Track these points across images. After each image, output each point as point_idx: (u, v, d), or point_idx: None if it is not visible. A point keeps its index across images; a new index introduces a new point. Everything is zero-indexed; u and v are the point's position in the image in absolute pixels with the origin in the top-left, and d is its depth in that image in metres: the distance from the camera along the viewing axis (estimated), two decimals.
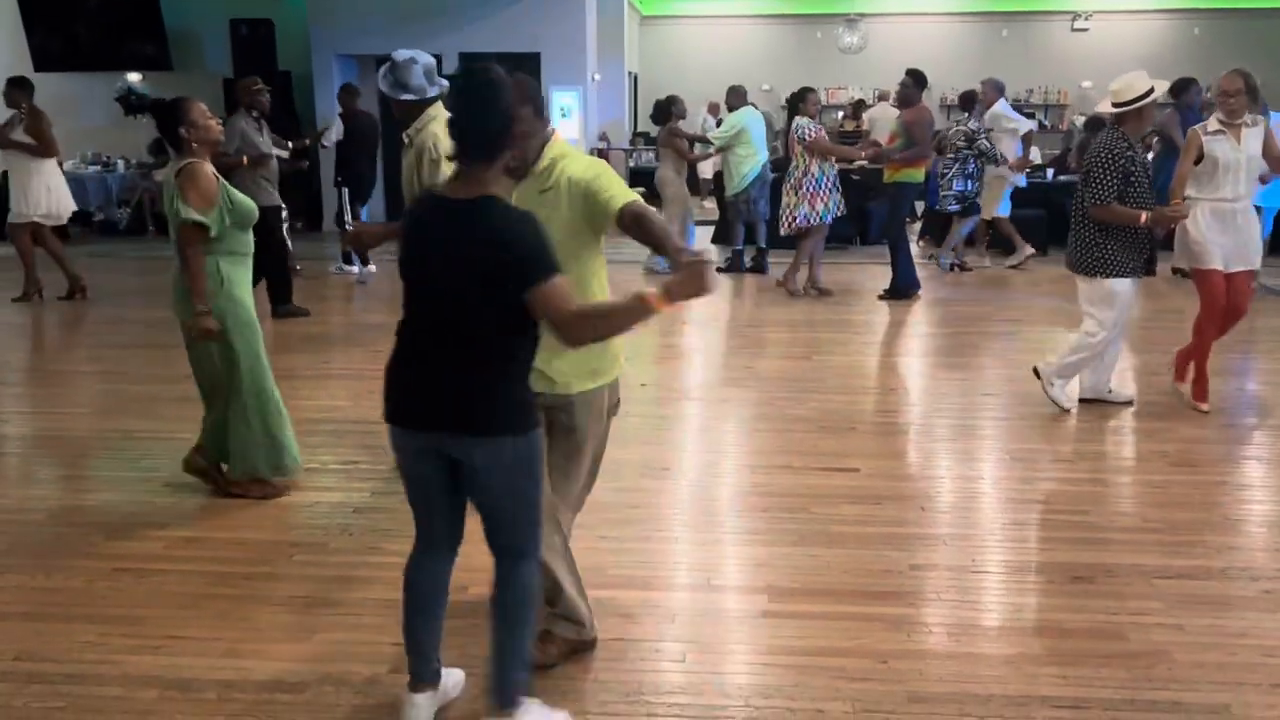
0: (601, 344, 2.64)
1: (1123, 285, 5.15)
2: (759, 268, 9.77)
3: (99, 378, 6.50)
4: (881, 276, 9.10)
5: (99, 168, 13.21)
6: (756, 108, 9.89)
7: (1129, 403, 5.57)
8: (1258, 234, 5.50)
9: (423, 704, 2.72)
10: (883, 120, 10.25)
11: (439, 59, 12.58)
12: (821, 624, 3.26)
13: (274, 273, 7.71)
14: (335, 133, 9.88)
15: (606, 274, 2.91)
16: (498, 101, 2.33)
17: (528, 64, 12.08)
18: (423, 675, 2.73)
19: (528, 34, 12.18)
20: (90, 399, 6.00)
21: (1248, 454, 5.01)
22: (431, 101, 4.11)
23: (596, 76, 12.64)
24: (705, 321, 8.01)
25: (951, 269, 9.84)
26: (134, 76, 13.04)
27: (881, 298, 8.66)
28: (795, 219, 8.54)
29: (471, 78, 2.37)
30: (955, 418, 5.50)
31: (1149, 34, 16.87)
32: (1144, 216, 5.00)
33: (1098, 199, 5.02)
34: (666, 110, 9.71)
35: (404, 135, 4.17)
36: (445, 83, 4.16)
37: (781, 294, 8.88)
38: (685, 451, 5.03)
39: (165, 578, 3.57)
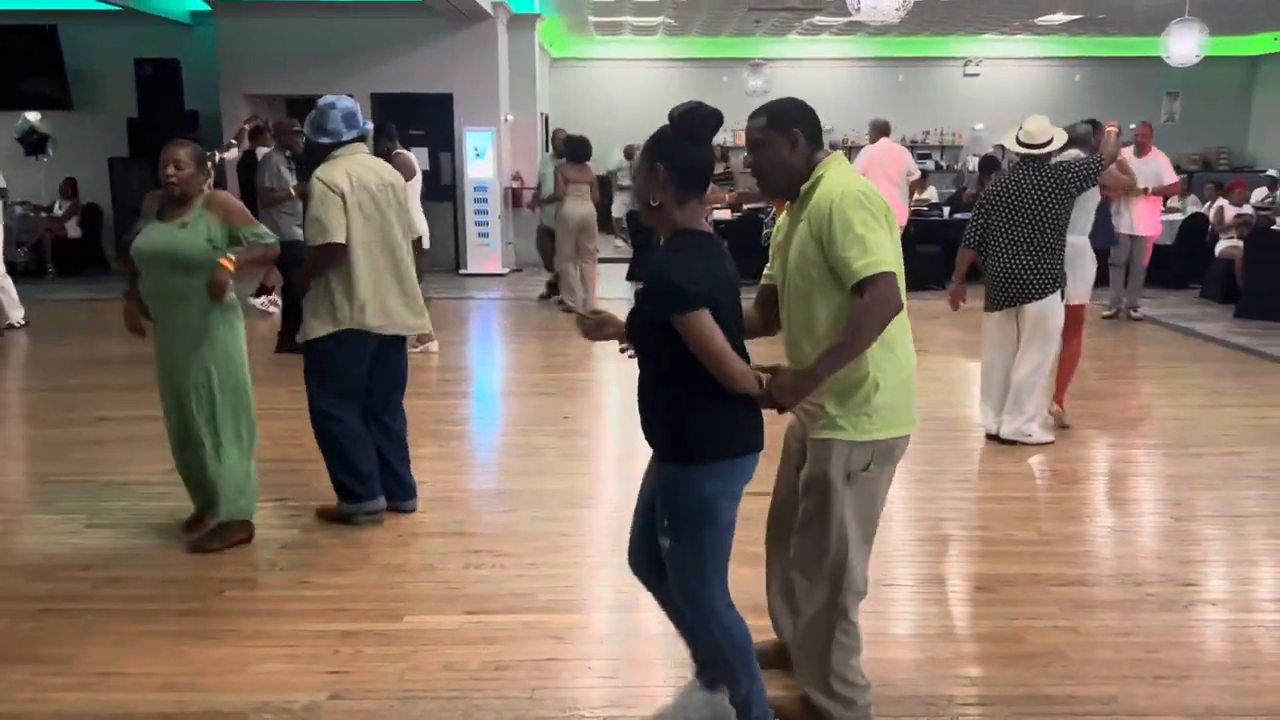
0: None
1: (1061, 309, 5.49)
2: None
3: (5, 422, 6.35)
4: None
5: None
6: None
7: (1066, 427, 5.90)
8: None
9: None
10: None
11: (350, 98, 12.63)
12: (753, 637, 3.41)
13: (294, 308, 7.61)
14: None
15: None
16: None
17: (441, 105, 12.21)
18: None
19: (440, 75, 12.32)
20: None
21: (1131, 470, 5.39)
22: (346, 144, 4.23)
23: (509, 117, 12.82)
24: (619, 355, 8.17)
25: None
26: (34, 115, 12.75)
27: None
28: None
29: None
30: None
31: (1035, 80, 17.80)
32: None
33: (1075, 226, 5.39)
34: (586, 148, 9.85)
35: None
36: (368, 125, 4.34)
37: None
38: (611, 479, 5.18)
39: (94, 617, 3.56)
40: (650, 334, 2.54)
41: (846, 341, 2.52)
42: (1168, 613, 3.63)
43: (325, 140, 4.20)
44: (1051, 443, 5.56)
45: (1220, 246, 10.40)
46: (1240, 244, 9.95)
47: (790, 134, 2.62)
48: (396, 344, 4.38)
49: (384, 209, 4.20)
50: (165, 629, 3.48)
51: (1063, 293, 5.43)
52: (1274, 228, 9.88)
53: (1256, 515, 4.63)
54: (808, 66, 17.49)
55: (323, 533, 4.35)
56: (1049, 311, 5.35)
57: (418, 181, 8.12)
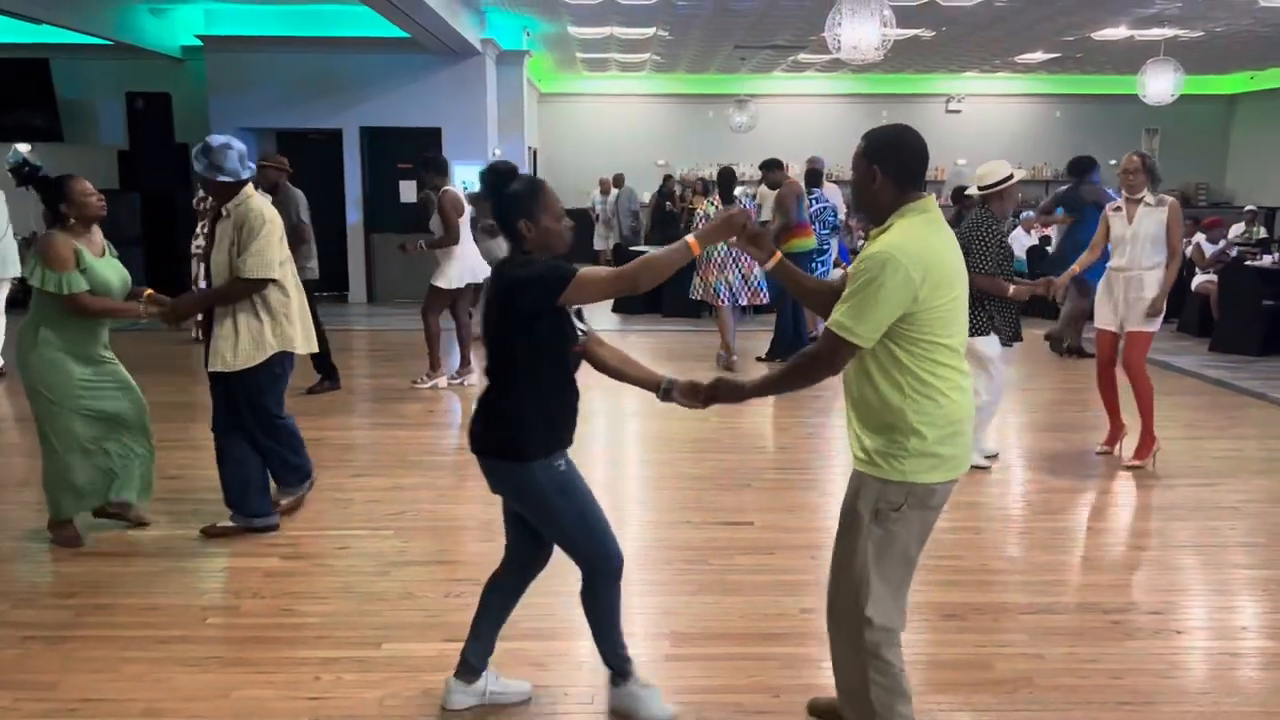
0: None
1: (994, 346, 5.59)
2: None
3: None
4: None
5: None
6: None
7: (994, 456, 6.00)
8: (1146, 301, 5.73)
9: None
10: (768, 198, 10.82)
11: (340, 132, 12.80)
12: (720, 665, 3.49)
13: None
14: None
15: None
16: None
17: (429, 139, 12.37)
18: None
19: (429, 109, 12.49)
20: None
21: (1105, 501, 5.48)
22: (245, 182, 4.50)
23: (498, 151, 12.98)
24: (606, 386, 8.25)
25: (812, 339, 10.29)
26: (24, 147, 12.85)
27: (761, 360, 9.11)
28: (719, 293, 8.78)
29: None
30: (841, 473, 5.83)
31: (1016, 116, 18.13)
32: (1011, 289, 5.47)
33: (978, 268, 5.43)
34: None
35: (223, 209, 4.53)
36: (254, 166, 4.67)
37: (674, 358, 9.15)
38: None
39: (77, 644, 3.60)
40: None
41: (775, 378, 2.77)
42: (1134, 640, 3.70)
43: (225, 179, 4.45)
44: (986, 468, 5.76)
45: (1196, 281, 10.58)
46: (1215, 279, 10.12)
47: (871, 169, 2.61)
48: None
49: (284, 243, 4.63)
50: (148, 655, 3.52)
51: (1010, 335, 5.67)
52: (1247, 263, 10.06)
53: (1226, 545, 4.72)
54: (793, 103, 17.77)
55: (305, 561, 4.41)
56: (979, 348, 5.47)
57: (467, 216, 8.13)
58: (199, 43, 12.37)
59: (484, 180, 2.94)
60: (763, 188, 10.95)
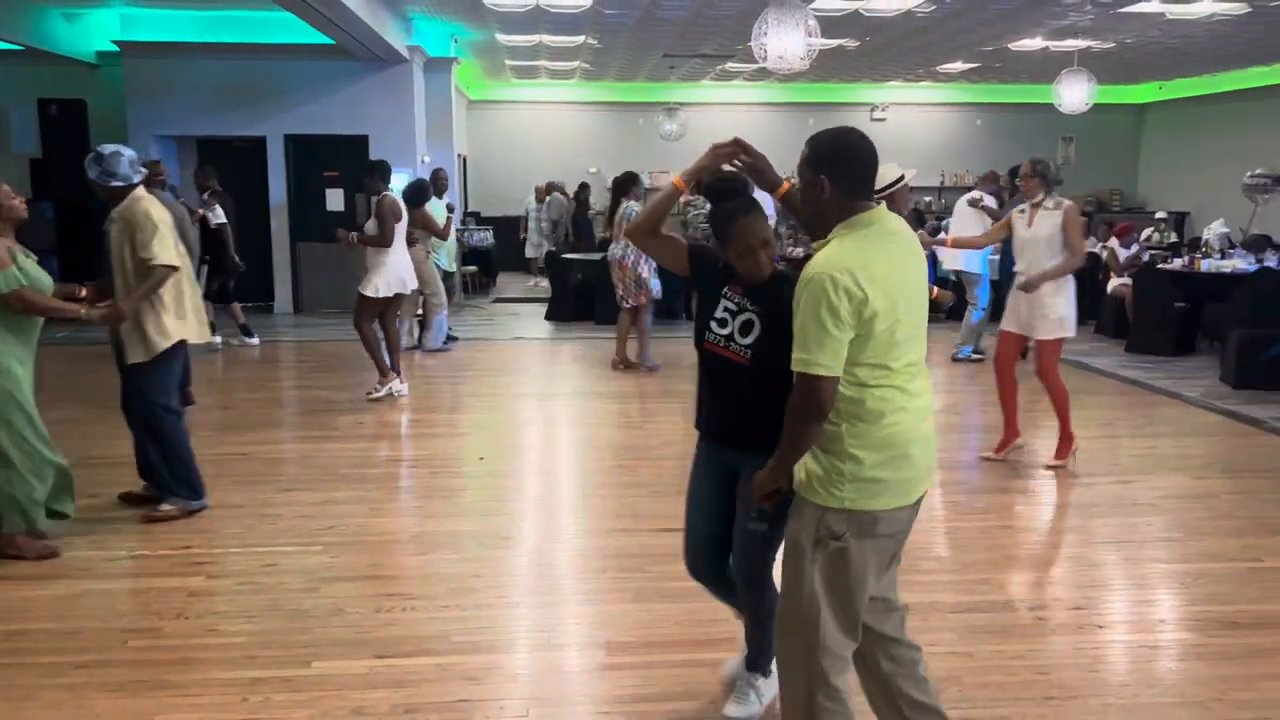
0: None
1: None
2: None
3: None
4: None
5: None
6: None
7: None
8: (1048, 306, 5.84)
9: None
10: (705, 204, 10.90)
11: (264, 140, 12.57)
12: (656, 673, 3.49)
13: None
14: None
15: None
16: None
17: (356, 146, 12.20)
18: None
19: (356, 117, 12.32)
20: None
21: (1028, 500, 5.61)
22: (135, 186, 4.78)
23: (426, 158, 12.85)
24: (540, 395, 8.24)
25: None
26: None
27: None
28: (635, 290, 8.84)
29: None
30: None
31: (938, 124, 18.51)
32: None
33: None
34: (424, 192, 9.82)
35: (112, 213, 4.81)
36: (144, 170, 4.95)
37: (607, 367, 9.16)
38: (525, 520, 5.20)
39: None
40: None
41: (782, 451, 2.51)
42: (1058, 636, 3.80)
43: (117, 184, 4.75)
44: None
45: (1112, 285, 10.91)
46: (1130, 282, 10.45)
47: (818, 179, 2.47)
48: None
49: (178, 240, 4.93)
50: (67, 681, 3.40)
51: None
52: (1159, 267, 10.41)
53: (1143, 541, 4.87)
54: (722, 111, 17.90)
55: (230, 579, 4.31)
56: None
57: (404, 224, 7.98)
58: (115, 48, 12.04)
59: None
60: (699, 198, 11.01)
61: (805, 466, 2.51)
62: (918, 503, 2.59)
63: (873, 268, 2.38)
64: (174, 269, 4.73)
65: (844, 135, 2.51)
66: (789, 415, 2.45)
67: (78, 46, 12.39)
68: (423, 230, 9.57)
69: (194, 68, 12.01)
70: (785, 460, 2.52)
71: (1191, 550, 4.73)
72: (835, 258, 2.39)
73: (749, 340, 2.82)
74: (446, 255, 10.40)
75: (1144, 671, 3.56)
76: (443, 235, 9.80)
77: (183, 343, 4.92)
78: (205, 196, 9.69)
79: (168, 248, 4.70)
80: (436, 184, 10.30)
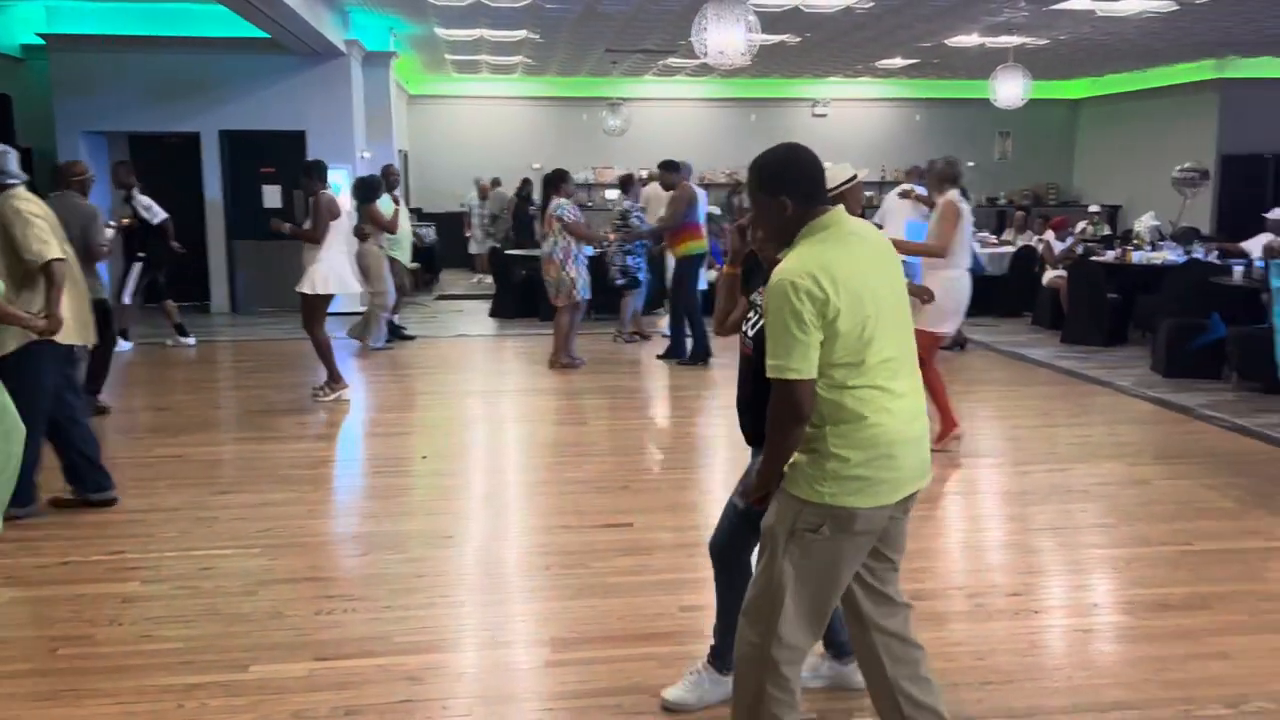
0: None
1: None
2: None
3: None
4: (654, 345, 9.61)
5: None
6: None
7: None
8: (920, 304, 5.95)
9: None
10: (654, 199, 10.87)
11: (197, 136, 12.30)
12: (600, 668, 3.48)
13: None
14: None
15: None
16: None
17: (293, 142, 12.00)
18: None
19: (293, 112, 12.11)
20: None
21: (966, 488, 5.71)
22: (19, 183, 4.86)
23: (366, 154, 12.69)
24: (484, 393, 8.19)
25: (630, 340, 10.37)
26: None
27: (661, 356, 9.21)
28: (565, 289, 8.83)
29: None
30: (720, 471, 5.93)
31: (878, 120, 18.72)
32: None
33: None
34: (372, 188, 9.73)
35: None
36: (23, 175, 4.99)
37: (549, 365, 9.09)
38: (468, 519, 5.16)
39: None
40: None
41: (768, 454, 2.55)
42: (995, 622, 3.87)
43: (13, 181, 4.82)
44: None
45: (1047, 276, 11.12)
46: (1064, 274, 10.66)
47: (779, 200, 2.52)
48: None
49: (64, 240, 4.93)
50: None
51: None
52: (1092, 259, 10.64)
53: (1078, 527, 4.98)
54: (664, 106, 17.93)
55: (166, 584, 4.21)
56: None
57: (343, 220, 7.77)
58: (41, 41, 11.70)
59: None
60: (651, 187, 11.04)
61: (792, 459, 2.54)
62: (906, 502, 2.62)
63: (834, 268, 2.42)
64: (63, 261, 4.73)
65: (790, 150, 2.60)
66: (769, 422, 2.49)
67: (1, 39, 12.02)
68: (373, 226, 9.47)
69: (124, 61, 11.71)
70: (771, 464, 2.56)
71: (1125, 535, 4.85)
72: (795, 263, 2.45)
73: (754, 331, 2.82)
74: (402, 250, 10.28)
75: (1078, 655, 3.64)
76: (391, 229, 9.68)
77: (55, 344, 4.79)
78: (134, 192, 9.42)
79: (50, 242, 4.69)
80: (388, 179, 10.17)
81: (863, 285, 2.46)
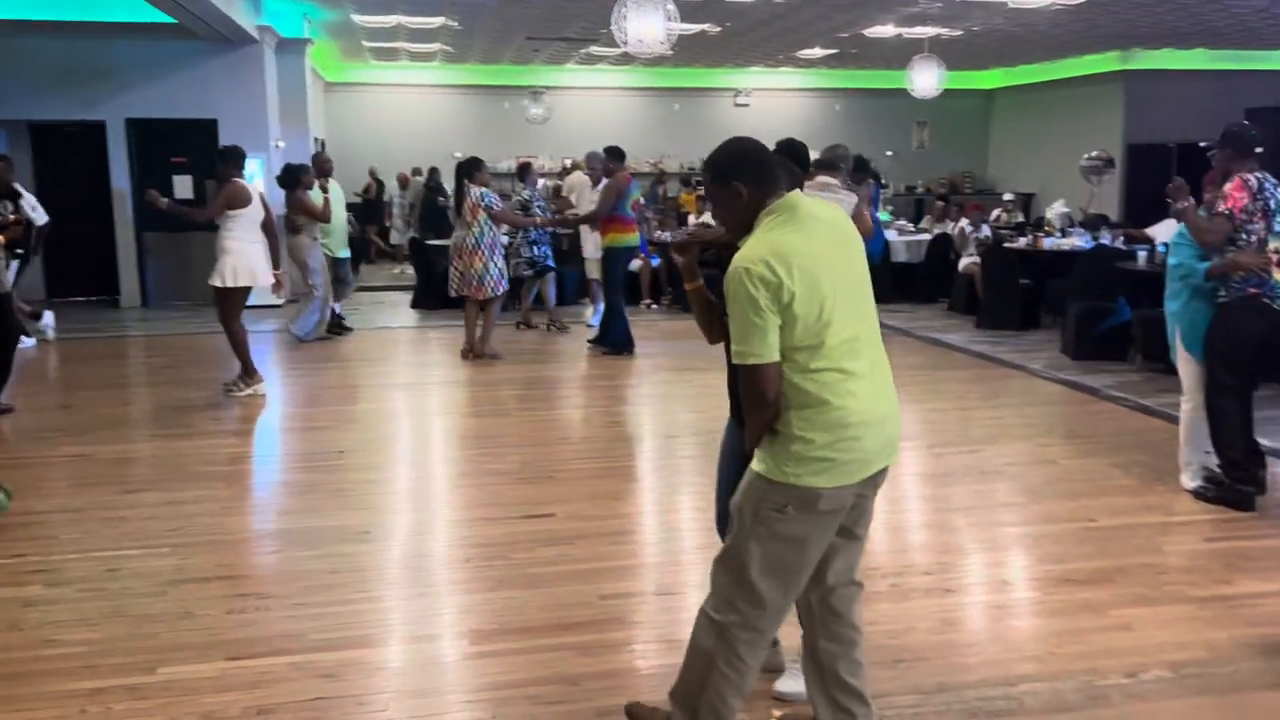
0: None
1: None
2: None
3: None
4: (574, 335, 9.58)
5: None
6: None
7: None
8: None
9: None
10: (580, 187, 10.81)
11: (103, 125, 11.91)
12: (519, 659, 3.47)
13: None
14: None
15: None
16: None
17: (204, 130, 11.68)
18: None
19: (203, 99, 11.78)
20: None
21: None
22: None
23: (280, 143, 12.40)
24: (404, 385, 8.09)
25: (551, 329, 10.40)
26: None
27: (592, 342, 9.24)
28: (490, 280, 8.75)
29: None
30: (646, 459, 5.94)
31: (800, 110, 18.89)
32: None
33: None
34: (297, 176, 9.54)
35: None
36: None
37: (462, 356, 8.98)
38: (387, 513, 5.09)
39: None
40: None
41: (748, 434, 2.60)
42: (909, 601, 3.95)
43: None
44: None
45: (963, 263, 11.37)
46: (979, 260, 10.91)
47: (734, 188, 2.56)
48: None
49: None
50: None
51: None
52: (1005, 246, 10.90)
53: (991, 506, 5.10)
54: (587, 95, 17.87)
55: (70, 587, 4.08)
56: None
57: (253, 210, 7.45)
58: None
59: None
60: (574, 175, 10.96)
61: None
62: (874, 479, 2.62)
63: (788, 253, 2.44)
64: None
65: (735, 140, 2.66)
66: (743, 407, 2.56)
67: None
68: (304, 216, 9.27)
69: (20, 47, 11.28)
70: (753, 444, 2.61)
71: (1034, 513, 4.98)
72: (750, 250, 2.48)
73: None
74: (336, 241, 10.05)
75: (989, 630, 3.74)
76: (324, 218, 9.47)
77: None
78: (20, 189, 9.09)
79: None
80: (319, 167, 9.88)
81: (820, 268, 2.48)
